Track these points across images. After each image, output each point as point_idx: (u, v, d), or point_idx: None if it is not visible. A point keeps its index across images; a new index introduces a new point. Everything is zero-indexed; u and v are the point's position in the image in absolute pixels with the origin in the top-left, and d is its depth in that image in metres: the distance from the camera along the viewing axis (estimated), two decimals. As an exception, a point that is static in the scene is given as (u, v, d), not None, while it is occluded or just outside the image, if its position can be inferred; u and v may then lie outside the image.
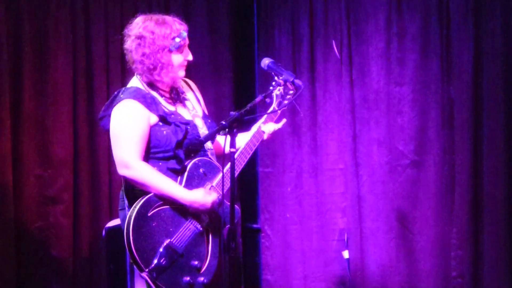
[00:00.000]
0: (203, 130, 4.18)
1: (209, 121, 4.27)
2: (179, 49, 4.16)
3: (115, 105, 4.12)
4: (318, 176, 6.18)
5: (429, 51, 5.71)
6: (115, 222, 5.60)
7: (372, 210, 5.92)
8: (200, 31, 6.54)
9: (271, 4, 6.52)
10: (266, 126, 4.35)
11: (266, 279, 6.29)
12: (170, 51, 4.13)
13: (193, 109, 4.23)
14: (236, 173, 4.04)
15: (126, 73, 6.18)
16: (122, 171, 4.10)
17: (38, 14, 5.85)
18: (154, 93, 4.16)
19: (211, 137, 3.95)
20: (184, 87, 4.32)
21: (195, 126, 4.16)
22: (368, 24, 5.99)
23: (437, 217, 5.65)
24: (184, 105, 4.22)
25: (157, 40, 4.12)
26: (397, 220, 5.80)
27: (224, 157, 4.01)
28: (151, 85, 4.17)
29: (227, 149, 3.82)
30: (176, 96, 4.23)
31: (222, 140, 4.13)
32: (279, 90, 4.30)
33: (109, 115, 4.14)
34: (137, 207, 4.02)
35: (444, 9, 5.65)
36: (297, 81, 4.25)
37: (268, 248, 6.32)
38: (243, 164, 4.20)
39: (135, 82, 4.20)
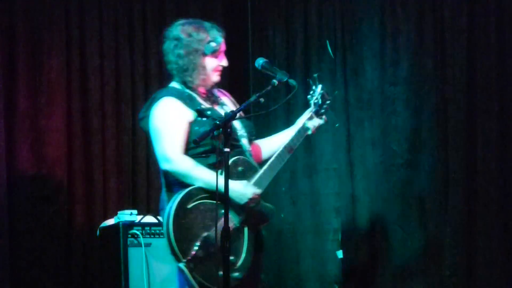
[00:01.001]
0: (241, 133, 4.24)
1: (249, 124, 4.33)
2: (214, 53, 4.25)
3: (153, 104, 4.22)
4: (313, 176, 6.19)
5: (423, 51, 5.72)
6: (109, 221, 5.61)
7: (366, 209, 5.93)
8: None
9: (265, 4, 6.52)
10: (312, 122, 4.40)
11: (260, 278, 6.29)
12: (204, 54, 4.23)
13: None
14: (278, 168, 4.19)
15: (120, 73, 6.21)
16: (164, 165, 4.14)
17: (32, 14, 5.85)
18: (192, 92, 4.25)
19: (205, 135, 3.95)
20: (221, 94, 4.41)
21: (233, 125, 4.21)
22: (362, 24, 6.00)
23: (431, 216, 5.66)
24: (221, 107, 4.29)
25: (193, 43, 4.23)
26: (391, 220, 5.81)
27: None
28: (188, 86, 4.27)
29: (225, 148, 3.84)
30: (213, 98, 4.30)
31: (261, 146, 4.32)
32: (316, 99, 4.43)
33: (148, 116, 4.23)
34: (178, 199, 4.06)
35: (438, 10, 5.66)
36: (291, 81, 4.25)
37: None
38: (285, 159, 4.26)
39: (173, 84, 4.32)
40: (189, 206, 4.07)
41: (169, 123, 4.14)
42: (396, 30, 5.84)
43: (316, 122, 4.38)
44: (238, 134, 4.22)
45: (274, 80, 4.16)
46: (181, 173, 4.10)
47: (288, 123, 6.21)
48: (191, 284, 4.04)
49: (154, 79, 6.39)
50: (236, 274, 4.07)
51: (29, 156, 5.78)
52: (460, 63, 5.54)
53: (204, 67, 4.22)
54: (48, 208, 5.82)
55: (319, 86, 4.41)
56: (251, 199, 4.08)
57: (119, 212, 5.55)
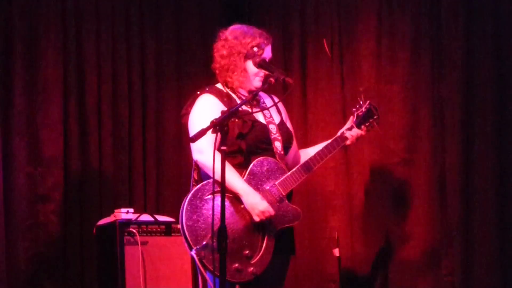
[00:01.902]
0: (274, 136, 4.34)
1: (285, 130, 4.44)
2: (256, 59, 4.35)
3: (194, 101, 4.38)
4: (309, 174, 6.18)
5: (420, 49, 5.72)
6: (106, 220, 5.60)
7: (363, 208, 5.93)
8: (191, 29, 6.55)
9: (262, 2, 6.52)
10: (351, 132, 4.57)
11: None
12: (246, 57, 4.34)
13: (269, 117, 4.41)
14: (311, 171, 4.41)
15: (116, 71, 6.21)
16: (196, 155, 4.27)
17: (29, 11, 5.84)
18: (232, 94, 4.38)
19: (202, 133, 3.96)
20: (266, 99, 4.50)
21: (265, 128, 4.34)
22: (359, 22, 6.00)
23: (428, 215, 5.66)
24: (261, 112, 4.39)
25: (237, 45, 4.36)
26: (388, 218, 5.80)
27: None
28: (229, 87, 4.39)
29: (222, 147, 3.87)
30: (254, 102, 4.40)
31: (302, 154, 4.52)
32: (361, 111, 4.65)
33: (189, 113, 4.39)
34: (196, 188, 4.22)
35: (435, 8, 5.66)
36: (288, 79, 4.26)
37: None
38: (318, 164, 4.44)
39: (217, 85, 4.45)
40: (206, 197, 4.20)
41: (204, 116, 4.23)
42: (393, 28, 5.84)
43: (355, 132, 4.54)
44: (272, 137, 4.33)
45: (271, 79, 4.18)
46: (209, 165, 4.12)
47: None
48: (201, 272, 4.17)
49: (151, 77, 6.39)
50: (251, 268, 4.17)
51: (26, 155, 5.78)
52: (457, 62, 5.53)
53: (244, 70, 4.34)
54: (44, 206, 5.82)
55: (367, 102, 4.63)
56: (261, 213, 4.19)
57: (115, 211, 5.55)
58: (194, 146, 4.25)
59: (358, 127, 4.55)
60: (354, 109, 4.63)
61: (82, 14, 6.07)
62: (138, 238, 5.40)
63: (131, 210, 5.53)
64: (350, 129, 4.56)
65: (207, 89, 4.39)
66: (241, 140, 4.25)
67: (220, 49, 4.40)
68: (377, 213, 5.85)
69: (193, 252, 4.12)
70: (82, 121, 6.03)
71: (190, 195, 4.20)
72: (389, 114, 5.82)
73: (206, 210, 4.17)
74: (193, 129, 4.27)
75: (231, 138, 4.22)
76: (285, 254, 4.39)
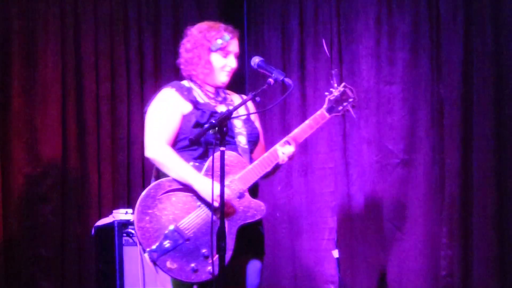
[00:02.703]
0: (239, 130, 4.26)
1: (251, 125, 4.33)
2: (221, 51, 4.29)
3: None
4: (308, 175, 6.19)
5: (419, 50, 5.72)
6: (105, 220, 5.60)
7: (362, 209, 5.92)
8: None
9: (261, 2, 6.51)
10: (283, 149, 4.23)
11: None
12: (210, 50, 4.28)
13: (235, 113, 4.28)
14: (264, 169, 4.17)
15: (115, 71, 6.20)
16: (147, 152, 4.19)
17: (27, 12, 5.84)
18: (196, 88, 4.30)
19: (202, 133, 3.95)
20: (234, 96, 4.42)
21: (228, 123, 4.16)
22: (358, 22, 5.99)
23: (427, 216, 5.65)
24: (227, 107, 4.30)
25: (201, 39, 4.30)
26: (387, 219, 5.80)
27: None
28: (194, 82, 4.31)
29: (221, 147, 3.84)
30: (219, 98, 4.33)
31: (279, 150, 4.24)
32: (333, 95, 4.37)
33: None
34: (148, 188, 4.12)
35: (434, 8, 5.65)
36: (287, 80, 4.24)
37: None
38: (271, 164, 4.21)
39: (182, 81, 4.37)
40: (159, 196, 4.10)
41: (158, 111, 4.19)
42: (392, 29, 5.83)
43: (287, 150, 4.21)
44: (236, 131, 4.23)
45: (270, 79, 4.16)
46: (159, 161, 4.14)
47: (284, 122, 6.25)
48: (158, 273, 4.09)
49: (149, 77, 6.39)
50: (209, 268, 4.06)
51: (24, 155, 5.77)
52: (456, 62, 5.53)
53: (208, 62, 4.27)
54: (43, 206, 5.81)
55: (342, 84, 4.40)
56: (218, 197, 3.97)
57: (114, 211, 5.55)
58: (146, 142, 4.17)
59: (330, 112, 4.32)
60: (326, 93, 4.38)
61: (80, 15, 6.07)
62: (137, 239, 5.39)
63: (130, 210, 5.52)
64: (283, 145, 4.22)
65: (171, 83, 4.32)
66: (196, 130, 4.12)
67: (185, 44, 4.35)
68: (376, 214, 5.85)
69: (146, 254, 4.05)
70: (80, 122, 6.02)
71: (142, 195, 4.10)
72: (388, 115, 5.82)
73: (159, 210, 4.07)
74: (148, 125, 4.19)
75: (188, 128, 4.15)
76: (251, 255, 4.21)
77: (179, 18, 6.52)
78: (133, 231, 5.39)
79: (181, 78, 4.37)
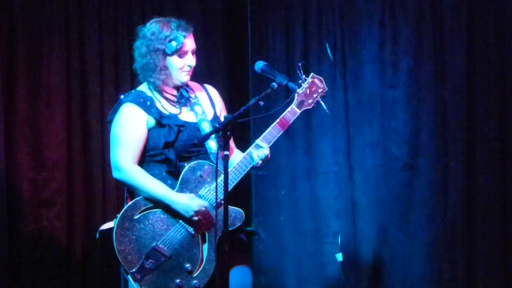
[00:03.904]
0: None
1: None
2: (177, 53, 4.19)
3: (117, 110, 4.23)
4: (312, 179, 6.18)
5: (423, 54, 5.72)
6: (109, 225, 5.59)
7: (366, 213, 5.92)
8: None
9: (265, 7, 6.51)
10: (257, 152, 4.16)
11: (259, 282, 6.28)
12: (166, 54, 4.18)
13: (201, 113, 4.24)
14: (240, 174, 4.12)
15: (119, 76, 6.20)
16: (114, 173, 4.18)
17: (31, 16, 5.84)
18: (157, 95, 4.21)
19: (204, 139, 3.95)
20: (198, 92, 4.34)
21: (194, 129, 4.17)
22: (362, 27, 5.99)
23: (431, 219, 5.65)
24: (192, 109, 4.24)
25: (155, 41, 4.19)
26: (391, 223, 5.80)
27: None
28: (154, 87, 4.21)
29: (224, 152, 3.82)
30: (182, 100, 4.24)
31: (235, 153, 4.22)
32: (302, 89, 4.24)
33: (112, 121, 4.25)
34: (123, 209, 4.09)
35: (437, 12, 5.66)
36: (291, 84, 4.23)
37: (262, 251, 6.32)
38: (246, 168, 4.16)
39: (141, 87, 4.29)
40: (136, 216, 4.08)
41: (122, 131, 4.15)
42: (396, 33, 5.83)
43: (262, 152, 4.16)
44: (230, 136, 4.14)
45: (274, 83, 4.15)
46: (129, 183, 4.12)
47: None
48: None
49: (153, 82, 6.38)
50: (194, 282, 4.06)
51: (29, 159, 5.77)
52: (460, 66, 5.53)
53: (165, 68, 4.18)
54: (47, 211, 5.82)
55: (310, 75, 4.26)
56: (197, 212, 4.05)
57: (118, 215, 5.54)
58: (111, 164, 4.14)
59: (300, 107, 4.25)
60: (296, 87, 4.25)
61: (84, 19, 6.07)
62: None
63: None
64: (257, 147, 4.16)
65: (131, 96, 4.21)
66: (169, 150, 4.09)
67: (139, 47, 4.25)
68: (380, 218, 5.85)
69: (128, 276, 4.05)
70: (85, 126, 6.02)
71: (118, 217, 4.09)
72: (392, 119, 5.82)
73: (137, 231, 4.06)
74: (113, 143, 4.15)
75: (158, 147, 4.10)
76: (236, 262, 4.17)
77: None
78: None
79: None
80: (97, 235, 5.65)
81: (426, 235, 5.66)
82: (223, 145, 3.83)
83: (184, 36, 4.21)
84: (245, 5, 6.65)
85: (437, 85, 5.65)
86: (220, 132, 3.84)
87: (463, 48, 5.52)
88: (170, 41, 4.18)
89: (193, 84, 4.37)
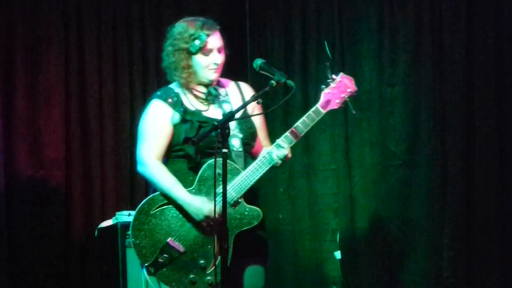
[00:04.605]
0: (233, 133, 4.16)
1: (246, 124, 4.25)
2: (201, 51, 4.22)
3: (147, 105, 4.28)
4: (311, 177, 6.19)
5: (421, 52, 5.72)
6: (107, 222, 5.61)
7: (365, 210, 5.93)
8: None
9: (263, 5, 6.52)
10: (277, 152, 4.13)
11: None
12: (190, 53, 4.22)
13: (229, 110, 4.22)
14: (257, 175, 4.09)
15: (118, 73, 6.21)
16: (137, 167, 4.23)
17: (30, 14, 5.85)
18: (186, 92, 4.25)
19: (203, 137, 3.95)
20: (230, 89, 4.34)
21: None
22: (360, 24, 6.00)
23: (429, 217, 5.66)
24: (220, 106, 4.25)
25: (180, 41, 4.24)
26: (389, 221, 5.81)
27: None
28: (182, 85, 4.25)
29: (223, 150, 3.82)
30: (210, 97, 4.26)
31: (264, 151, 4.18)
32: (329, 88, 4.18)
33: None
34: (141, 204, 4.14)
35: (436, 10, 5.66)
36: (290, 82, 4.22)
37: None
38: (265, 168, 4.12)
39: (172, 84, 4.33)
40: (152, 211, 4.11)
41: (147, 127, 4.20)
42: (394, 31, 5.84)
43: (281, 153, 4.12)
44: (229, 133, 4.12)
45: (272, 81, 4.13)
46: (149, 178, 4.17)
47: (286, 124, 6.25)
48: None
49: (152, 79, 6.39)
50: (208, 278, 4.07)
51: (27, 157, 5.78)
52: (458, 64, 5.54)
53: (189, 66, 4.21)
54: (46, 209, 5.82)
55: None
56: (207, 217, 4.05)
57: (117, 213, 5.55)
58: (136, 158, 4.21)
59: (325, 107, 4.18)
60: (323, 87, 4.22)
61: (83, 17, 6.07)
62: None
63: (133, 212, 5.49)
64: (277, 147, 4.12)
65: (160, 93, 4.27)
66: (189, 145, 4.09)
67: (166, 47, 4.30)
68: (378, 216, 5.85)
69: (143, 269, 4.09)
70: (83, 124, 6.03)
71: (136, 211, 4.14)
72: (390, 116, 5.83)
73: (153, 226, 4.09)
74: (139, 137, 4.22)
75: (179, 143, 4.13)
76: (251, 261, 4.18)
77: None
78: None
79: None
80: (96, 232, 5.67)
81: (425, 232, 5.67)
82: (222, 143, 3.82)
83: (208, 35, 4.23)
84: (244, 3, 6.66)
85: (436, 83, 5.66)
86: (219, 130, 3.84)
87: (462, 46, 5.52)
88: (194, 39, 4.21)
89: (225, 82, 4.38)
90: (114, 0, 6.22)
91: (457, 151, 5.53)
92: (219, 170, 4.00)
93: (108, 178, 6.10)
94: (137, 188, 6.23)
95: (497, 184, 5.40)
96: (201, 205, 4.07)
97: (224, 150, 3.81)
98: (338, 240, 6.02)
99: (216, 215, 3.94)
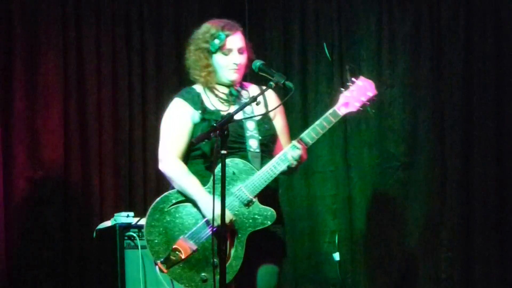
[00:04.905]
0: (252, 133, 4.20)
1: (265, 126, 4.27)
2: (221, 51, 4.25)
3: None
4: (309, 178, 6.19)
5: (420, 53, 5.72)
6: (106, 223, 5.60)
7: (363, 212, 5.93)
8: (191, 32, 6.53)
9: (263, 6, 6.53)
10: (292, 153, 4.14)
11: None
12: (210, 52, 4.26)
13: (250, 112, 4.25)
14: (271, 176, 4.10)
15: (117, 74, 6.21)
16: (158, 165, 4.25)
17: (29, 15, 5.85)
18: (207, 91, 4.28)
19: (201, 138, 3.95)
20: (252, 92, 4.33)
21: (238, 126, 4.18)
22: (359, 26, 6.00)
23: (428, 218, 5.66)
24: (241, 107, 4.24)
25: (201, 41, 4.29)
26: (388, 222, 5.81)
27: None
28: (203, 84, 4.29)
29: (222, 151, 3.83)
30: (231, 98, 4.29)
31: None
32: (349, 91, 4.21)
33: None
34: (155, 201, 4.17)
35: (435, 12, 5.66)
36: (288, 83, 4.23)
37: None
38: (279, 169, 4.14)
39: (195, 85, 4.36)
40: (167, 209, 4.15)
41: (168, 125, 4.24)
42: (393, 32, 5.84)
43: (297, 154, 4.14)
44: (247, 134, 4.21)
45: (271, 82, 4.14)
46: (169, 176, 4.20)
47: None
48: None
49: (150, 80, 6.39)
50: (219, 276, 4.06)
51: (26, 158, 5.78)
52: (457, 65, 5.54)
53: (209, 65, 4.26)
54: (45, 210, 5.82)
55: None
56: (217, 216, 3.97)
57: (115, 214, 5.55)
58: (158, 155, 4.24)
59: (343, 109, 4.17)
60: (342, 89, 4.23)
61: (82, 18, 6.08)
62: (138, 242, 5.40)
63: (131, 213, 5.52)
64: (292, 148, 4.13)
65: (182, 92, 4.33)
66: (205, 144, 4.12)
67: (188, 47, 4.35)
68: (377, 217, 5.85)
69: (156, 267, 4.13)
70: (82, 125, 6.03)
71: (151, 208, 4.17)
72: (389, 118, 5.83)
73: (167, 223, 4.13)
74: (161, 138, 4.26)
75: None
76: (265, 260, 4.20)
77: (181, 22, 6.52)
78: (134, 234, 5.41)
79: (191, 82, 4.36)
80: (95, 233, 5.67)
81: (423, 234, 5.67)
82: (221, 144, 3.83)
83: (227, 35, 4.26)
84: (243, 3, 6.66)
85: (434, 84, 5.66)
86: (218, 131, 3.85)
87: (460, 48, 5.52)
88: (214, 39, 4.25)
89: (249, 85, 4.41)
90: (113, 1, 6.22)
91: (456, 153, 5.53)
92: (234, 170, 4.09)
93: (107, 179, 6.10)
94: (136, 189, 6.24)
95: (495, 185, 5.40)
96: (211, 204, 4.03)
97: (223, 152, 3.82)
98: (336, 241, 6.02)
99: (226, 218, 3.92)
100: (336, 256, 5.99)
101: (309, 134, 4.19)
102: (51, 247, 5.81)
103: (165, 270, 4.10)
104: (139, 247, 5.39)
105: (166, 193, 4.18)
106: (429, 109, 5.68)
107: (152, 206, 4.17)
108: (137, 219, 5.49)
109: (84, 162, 6.00)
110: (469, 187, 5.48)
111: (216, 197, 3.88)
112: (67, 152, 5.93)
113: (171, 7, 6.49)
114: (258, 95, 4.08)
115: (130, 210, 5.65)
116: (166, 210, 4.14)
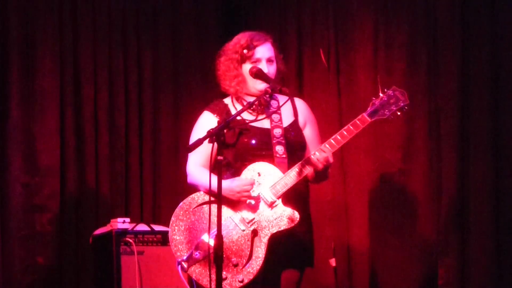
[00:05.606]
0: (279, 139, 4.28)
1: (292, 133, 4.34)
2: (250, 60, 4.33)
3: None
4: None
5: (416, 60, 5.73)
6: (102, 229, 5.60)
7: (359, 218, 5.93)
8: (188, 38, 6.55)
9: (259, 12, 6.53)
10: (319, 156, 4.21)
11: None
12: (239, 62, 4.34)
13: (278, 120, 4.34)
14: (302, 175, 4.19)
15: (114, 81, 6.22)
16: (188, 179, 4.37)
17: (25, 21, 5.85)
18: (235, 103, 4.37)
19: (196, 143, 3.97)
20: (282, 102, 4.38)
21: (264, 134, 4.27)
22: (355, 32, 6.01)
23: (424, 225, 5.66)
24: (269, 116, 4.33)
25: (231, 51, 4.37)
26: (384, 228, 5.81)
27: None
28: (233, 94, 4.38)
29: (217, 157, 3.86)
30: (259, 109, 4.35)
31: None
32: (379, 99, 4.33)
33: None
34: (182, 202, 4.27)
35: (432, 19, 5.67)
36: (285, 89, 4.25)
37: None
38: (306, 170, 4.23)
39: (226, 98, 4.45)
40: (192, 209, 4.25)
41: (195, 138, 4.21)
42: (390, 38, 5.85)
43: (322, 157, 4.19)
44: (274, 141, 4.27)
45: (267, 89, 4.17)
46: (192, 183, 4.31)
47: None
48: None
49: (147, 87, 6.40)
50: (239, 276, 4.15)
51: (22, 164, 5.78)
52: (453, 72, 5.54)
53: (239, 75, 4.33)
54: (41, 216, 5.81)
55: (391, 87, 4.35)
56: (239, 192, 4.16)
57: (112, 220, 5.55)
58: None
59: (372, 116, 4.27)
60: (373, 98, 4.36)
61: (78, 24, 6.08)
62: (135, 248, 5.40)
63: (128, 219, 5.53)
64: (319, 152, 4.21)
65: (210, 105, 4.42)
66: (228, 150, 4.23)
67: (219, 58, 4.42)
68: (373, 223, 5.85)
69: (177, 265, 4.19)
70: (78, 131, 6.03)
71: (177, 208, 4.27)
72: (385, 124, 5.83)
73: (190, 223, 4.22)
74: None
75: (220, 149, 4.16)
76: (286, 265, 4.27)
77: (178, 29, 6.53)
78: (130, 240, 5.41)
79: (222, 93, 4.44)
80: (91, 239, 5.66)
81: (419, 240, 5.67)
82: (217, 150, 3.86)
83: (256, 45, 4.35)
84: (239, 10, 6.67)
85: (431, 91, 5.66)
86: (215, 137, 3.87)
87: (457, 54, 5.53)
88: (243, 49, 4.33)
89: (278, 95, 4.43)
90: (110, 8, 6.23)
91: (452, 159, 5.53)
92: (259, 170, 4.19)
93: (103, 185, 6.10)
94: (132, 195, 6.24)
95: (492, 191, 5.40)
96: (231, 183, 4.16)
97: (220, 157, 3.84)
98: (333, 247, 6.02)
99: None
100: (333, 262, 5.99)
101: (336, 138, 4.25)
102: (47, 253, 5.81)
103: (186, 269, 4.17)
104: (136, 253, 5.39)
105: (192, 195, 4.28)
106: (425, 115, 5.68)
107: (178, 206, 4.26)
108: (133, 225, 5.50)
109: (80, 168, 6.01)
110: (465, 193, 5.48)
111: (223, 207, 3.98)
112: (63, 158, 5.93)
113: (167, 13, 6.49)
114: (254, 101, 4.12)
115: (126, 216, 5.66)
116: (191, 210, 4.24)
